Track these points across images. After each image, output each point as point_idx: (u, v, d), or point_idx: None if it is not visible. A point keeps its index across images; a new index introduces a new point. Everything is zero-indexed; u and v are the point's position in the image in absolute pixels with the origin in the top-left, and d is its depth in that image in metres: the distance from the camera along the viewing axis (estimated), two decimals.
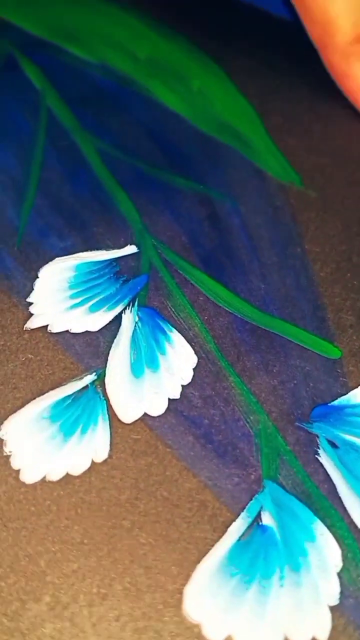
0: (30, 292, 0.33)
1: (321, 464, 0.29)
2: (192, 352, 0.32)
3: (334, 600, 0.26)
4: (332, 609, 0.26)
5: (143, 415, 0.30)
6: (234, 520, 0.28)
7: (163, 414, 0.30)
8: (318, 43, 0.40)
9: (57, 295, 0.33)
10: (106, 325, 0.33)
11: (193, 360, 0.32)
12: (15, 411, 0.30)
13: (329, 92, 0.42)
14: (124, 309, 0.33)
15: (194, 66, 0.43)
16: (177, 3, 0.46)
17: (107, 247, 0.35)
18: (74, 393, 0.31)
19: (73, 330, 0.32)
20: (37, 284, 0.34)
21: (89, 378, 0.31)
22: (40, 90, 0.41)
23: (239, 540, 0.27)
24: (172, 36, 0.44)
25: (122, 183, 0.38)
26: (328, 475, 0.29)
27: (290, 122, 0.41)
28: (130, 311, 0.33)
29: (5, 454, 0.29)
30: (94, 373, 0.31)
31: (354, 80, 0.40)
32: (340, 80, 0.40)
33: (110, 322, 0.33)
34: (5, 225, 0.36)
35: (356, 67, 0.39)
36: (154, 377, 0.31)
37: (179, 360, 0.32)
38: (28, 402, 0.30)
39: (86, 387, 0.31)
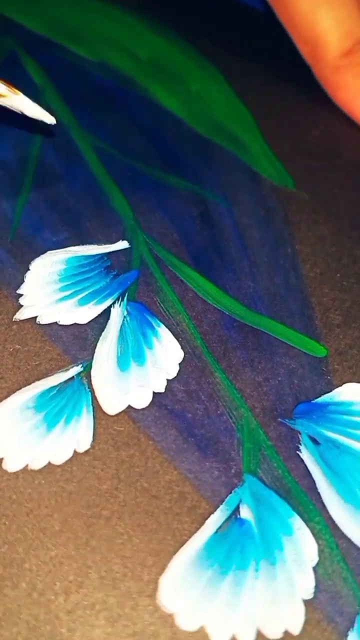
0: (21, 284, 0.34)
1: (302, 460, 0.30)
2: (179, 347, 0.32)
3: (309, 594, 0.26)
4: (306, 602, 0.26)
5: (127, 408, 0.30)
6: (212, 513, 0.28)
7: (147, 407, 0.31)
8: (309, 59, 0.42)
9: (47, 288, 0.34)
10: (95, 318, 0.33)
11: (179, 355, 0.32)
12: (0, 401, 0.30)
13: (325, 96, 0.42)
14: (113, 303, 0.33)
15: (193, 69, 0.43)
16: (178, 5, 0.46)
17: (99, 242, 0.35)
18: (60, 384, 0.31)
19: (61, 322, 0.33)
20: (28, 276, 0.34)
21: (75, 370, 0.31)
22: (40, 87, 0.42)
23: (216, 532, 0.28)
24: (172, 38, 0.45)
25: (117, 180, 0.38)
26: (308, 471, 0.29)
27: (286, 125, 0.41)
28: (120, 305, 0.33)
29: None
30: (81, 365, 0.31)
31: (345, 91, 0.41)
32: (333, 93, 0.42)
33: (99, 315, 0.33)
34: (0, 219, 0.36)
35: (346, 78, 0.41)
36: (140, 370, 0.31)
37: (166, 355, 0.32)
38: (13, 392, 0.31)
39: (72, 378, 0.31)
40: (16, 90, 0.34)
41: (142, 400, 0.31)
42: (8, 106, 0.34)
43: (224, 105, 0.42)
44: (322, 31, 0.41)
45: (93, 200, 0.37)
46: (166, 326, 0.33)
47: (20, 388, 0.31)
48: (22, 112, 0.34)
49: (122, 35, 0.45)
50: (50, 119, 0.35)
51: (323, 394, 0.31)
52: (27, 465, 0.29)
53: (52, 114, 0.38)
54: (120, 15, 0.46)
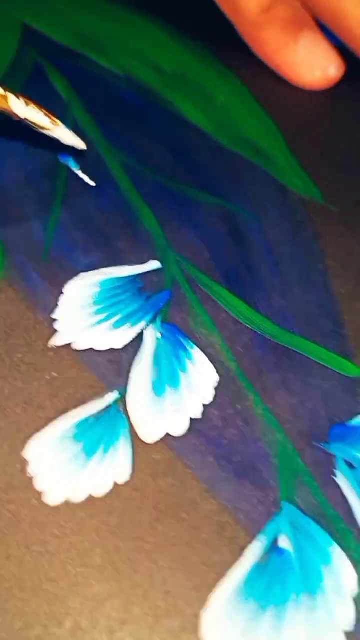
0: (55, 308, 0.34)
1: (338, 485, 0.30)
2: (214, 370, 0.33)
3: (350, 626, 0.27)
4: (348, 635, 0.27)
5: (164, 435, 0.31)
6: (251, 543, 0.28)
7: (184, 434, 0.31)
8: (231, 18, 0.44)
9: (82, 312, 0.34)
10: (129, 342, 0.33)
11: (214, 378, 0.32)
12: (39, 431, 0.31)
13: (351, 107, 0.42)
14: (147, 325, 0.34)
15: (218, 81, 0.43)
16: (202, 16, 0.46)
17: (131, 263, 0.36)
18: (97, 412, 0.31)
19: (97, 348, 0.33)
20: (62, 300, 0.34)
21: (111, 396, 0.32)
22: (66, 102, 0.41)
23: (256, 563, 0.28)
24: (196, 49, 0.44)
25: (146, 198, 0.38)
26: (345, 496, 0.30)
27: (313, 137, 0.41)
28: (153, 328, 0.33)
29: (29, 475, 0.30)
30: (117, 391, 0.32)
31: (267, 45, 0.43)
32: (257, 48, 0.44)
33: (133, 339, 0.33)
34: (32, 241, 0.36)
35: (267, 33, 0.43)
36: (175, 395, 0.32)
37: (200, 378, 0.32)
38: (52, 421, 0.31)
39: (109, 406, 0.31)
40: (57, 122, 0.36)
41: (179, 427, 0.31)
42: (48, 134, 0.36)
43: (249, 118, 0.42)
44: None
45: (123, 219, 0.37)
46: (199, 348, 0.33)
47: (58, 417, 0.31)
48: (60, 140, 0.37)
49: (146, 46, 0.44)
50: (82, 145, 0.37)
51: (357, 416, 0.32)
52: (67, 499, 0.29)
53: (79, 129, 0.38)
54: (143, 25, 0.45)
